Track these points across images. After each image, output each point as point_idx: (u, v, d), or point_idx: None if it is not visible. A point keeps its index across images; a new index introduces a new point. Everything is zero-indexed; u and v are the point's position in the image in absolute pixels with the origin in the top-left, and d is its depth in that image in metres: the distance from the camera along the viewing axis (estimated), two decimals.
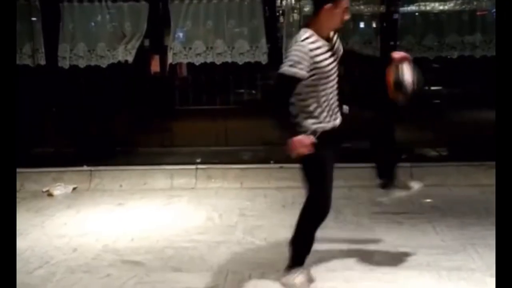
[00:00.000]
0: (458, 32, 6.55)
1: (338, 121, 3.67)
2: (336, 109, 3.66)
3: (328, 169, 3.71)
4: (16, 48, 6.67)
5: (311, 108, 3.54)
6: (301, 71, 3.37)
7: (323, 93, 3.53)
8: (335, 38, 3.64)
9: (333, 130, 3.62)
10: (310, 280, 3.78)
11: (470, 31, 6.55)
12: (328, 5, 3.43)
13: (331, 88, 3.57)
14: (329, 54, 3.51)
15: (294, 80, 3.39)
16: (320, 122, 3.57)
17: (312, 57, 3.40)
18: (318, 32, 3.49)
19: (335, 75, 3.58)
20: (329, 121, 3.60)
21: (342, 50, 3.68)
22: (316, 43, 3.44)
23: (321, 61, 3.44)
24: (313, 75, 3.44)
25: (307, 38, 3.44)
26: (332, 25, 3.54)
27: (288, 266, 3.76)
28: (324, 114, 3.58)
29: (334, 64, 3.55)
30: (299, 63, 3.37)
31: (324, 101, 3.55)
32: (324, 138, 3.54)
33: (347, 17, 3.54)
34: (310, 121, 3.57)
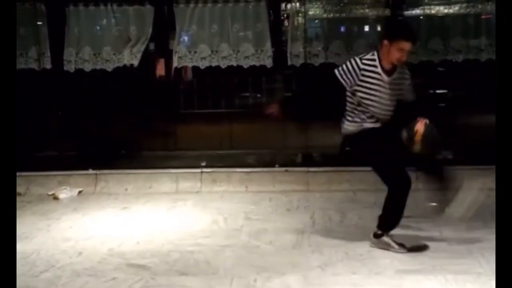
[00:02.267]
0: (463, 35, 6.54)
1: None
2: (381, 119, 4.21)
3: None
4: (20, 52, 6.70)
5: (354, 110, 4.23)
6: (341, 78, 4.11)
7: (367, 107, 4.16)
8: (398, 72, 4.16)
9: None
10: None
11: (475, 34, 6.53)
12: (385, 41, 4.04)
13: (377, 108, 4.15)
14: (380, 81, 4.09)
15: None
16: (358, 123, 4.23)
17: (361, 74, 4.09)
18: (381, 60, 4.09)
19: (383, 99, 4.13)
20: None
21: (407, 84, 4.26)
22: (371, 66, 4.09)
23: (368, 82, 4.09)
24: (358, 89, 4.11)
25: (367, 57, 4.13)
26: (388, 59, 4.07)
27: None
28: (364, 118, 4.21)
29: (384, 90, 4.11)
30: (344, 72, 4.12)
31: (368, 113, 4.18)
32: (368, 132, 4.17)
33: (403, 58, 4.02)
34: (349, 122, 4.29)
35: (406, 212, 5.05)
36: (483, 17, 6.61)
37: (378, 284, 3.75)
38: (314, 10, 7.05)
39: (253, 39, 6.64)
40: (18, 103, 3.78)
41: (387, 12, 6.91)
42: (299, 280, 3.82)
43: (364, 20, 7.12)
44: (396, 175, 4.17)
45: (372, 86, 4.12)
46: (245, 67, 6.67)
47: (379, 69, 4.11)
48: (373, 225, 4.91)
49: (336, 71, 4.16)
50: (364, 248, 4.37)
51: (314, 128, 6.85)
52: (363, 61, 4.12)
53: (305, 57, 6.62)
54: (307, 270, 3.99)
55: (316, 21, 7.22)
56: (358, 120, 4.25)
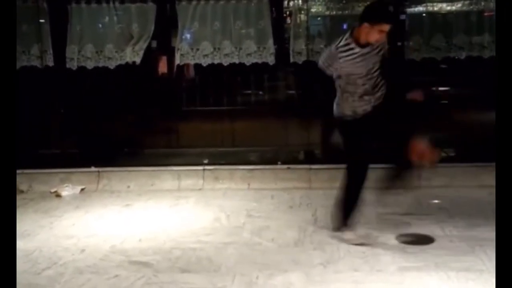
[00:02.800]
0: (466, 32, 6.51)
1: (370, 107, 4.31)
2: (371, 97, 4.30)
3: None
4: (22, 50, 6.70)
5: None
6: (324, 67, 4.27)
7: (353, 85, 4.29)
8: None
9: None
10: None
11: (478, 31, 6.51)
12: (366, 24, 4.10)
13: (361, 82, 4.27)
14: (355, 53, 4.18)
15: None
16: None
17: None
18: (357, 39, 4.19)
19: (363, 70, 4.23)
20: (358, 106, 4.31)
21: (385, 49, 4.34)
22: (345, 46, 4.19)
23: (346, 58, 4.18)
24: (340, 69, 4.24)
25: (339, 41, 4.23)
26: (366, 39, 4.17)
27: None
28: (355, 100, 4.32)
29: (364, 63, 4.21)
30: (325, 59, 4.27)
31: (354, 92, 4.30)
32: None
33: (382, 39, 4.18)
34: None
35: (408, 209, 5.09)
36: (485, 14, 6.59)
37: (379, 281, 3.75)
38: (316, 8, 7.04)
39: (255, 37, 6.63)
40: (20, 101, 3.81)
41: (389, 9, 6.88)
42: (301, 277, 3.83)
43: None
44: (358, 168, 4.39)
45: (349, 60, 4.20)
46: (247, 64, 6.65)
47: (353, 45, 4.20)
48: (375, 222, 4.93)
49: (320, 64, 4.32)
50: (366, 245, 4.36)
51: (316, 125, 6.84)
52: (338, 45, 4.24)
53: (307, 54, 6.60)
54: (309, 267, 3.99)
55: (319, 18, 7.21)
56: (348, 102, 4.34)
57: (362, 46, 4.21)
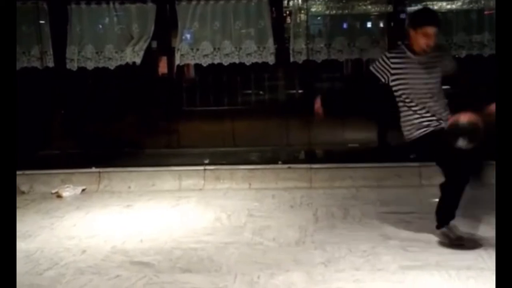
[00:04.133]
0: (466, 31, 6.52)
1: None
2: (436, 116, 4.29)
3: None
4: (23, 51, 6.72)
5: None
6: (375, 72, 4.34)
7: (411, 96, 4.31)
8: (430, 54, 4.26)
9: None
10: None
11: (478, 30, 6.52)
12: (411, 30, 4.22)
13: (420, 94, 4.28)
14: (410, 62, 4.25)
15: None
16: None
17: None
18: (410, 49, 4.27)
19: (421, 80, 4.26)
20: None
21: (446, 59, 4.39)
22: (399, 53, 4.30)
23: (401, 68, 4.26)
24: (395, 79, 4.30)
25: (393, 50, 4.40)
26: (418, 47, 4.22)
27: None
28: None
29: (418, 71, 4.25)
30: (377, 65, 4.34)
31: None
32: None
33: (430, 42, 4.17)
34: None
35: (409, 208, 5.10)
36: (485, 12, 6.59)
37: (381, 280, 3.75)
38: (316, 7, 7.04)
39: (255, 36, 6.64)
40: (21, 102, 3.81)
41: (390, 8, 6.90)
42: (302, 276, 3.83)
43: (366, 17, 7.11)
44: (455, 169, 4.18)
45: (405, 70, 4.28)
46: (248, 64, 6.66)
47: (408, 53, 4.28)
48: (376, 221, 4.94)
49: (371, 67, 4.41)
50: (367, 244, 4.37)
51: (317, 124, 6.84)
52: (391, 53, 4.36)
53: (307, 53, 6.61)
54: (310, 267, 3.99)
55: (318, 17, 7.21)
56: (413, 119, 4.33)
57: (416, 54, 4.26)
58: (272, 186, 6.18)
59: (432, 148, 4.26)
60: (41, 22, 6.78)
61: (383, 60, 4.31)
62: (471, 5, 6.67)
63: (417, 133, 4.32)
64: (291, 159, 6.75)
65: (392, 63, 4.28)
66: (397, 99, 4.39)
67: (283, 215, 5.26)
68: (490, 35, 6.43)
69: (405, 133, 4.41)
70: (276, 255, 4.25)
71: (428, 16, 4.28)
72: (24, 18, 6.65)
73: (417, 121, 4.32)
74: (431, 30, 4.16)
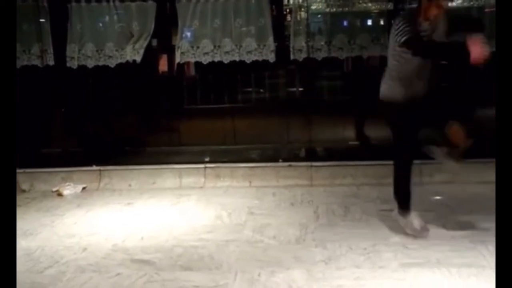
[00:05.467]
0: None
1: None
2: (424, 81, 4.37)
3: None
4: (23, 49, 6.71)
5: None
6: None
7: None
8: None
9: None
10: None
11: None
12: (425, 0, 4.23)
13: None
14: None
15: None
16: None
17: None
18: (417, 17, 4.28)
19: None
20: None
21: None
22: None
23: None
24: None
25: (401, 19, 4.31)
26: (426, 16, 4.26)
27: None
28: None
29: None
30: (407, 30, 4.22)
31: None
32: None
33: (440, 14, 4.23)
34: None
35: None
36: (486, 10, 6.57)
37: (382, 278, 3.75)
38: (316, 5, 7.04)
39: (255, 34, 6.62)
40: (21, 100, 3.81)
41: (390, 6, 6.89)
42: (303, 274, 3.83)
43: (366, 14, 7.10)
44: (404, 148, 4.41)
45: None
46: (248, 62, 6.64)
47: (418, 23, 4.27)
48: (376, 219, 4.94)
49: (406, 38, 4.20)
50: (368, 242, 4.37)
51: (317, 122, 6.84)
52: (410, 22, 4.25)
53: (307, 51, 6.60)
54: (311, 265, 3.99)
55: (319, 15, 7.20)
56: (403, 84, 4.40)
57: (421, 23, 4.30)
58: (272, 184, 6.18)
59: (395, 119, 4.44)
60: (42, 20, 6.77)
61: (411, 24, 4.20)
62: (471, 3, 6.66)
63: (392, 96, 4.42)
64: (291, 157, 6.74)
65: (421, 29, 4.25)
66: (395, 61, 4.39)
67: (283, 213, 5.26)
68: (491, 33, 6.41)
69: (385, 92, 4.50)
70: (276, 253, 4.25)
71: None
72: (25, 16, 6.65)
73: (398, 88, 4.41)
74: (445, 3, 4.29)
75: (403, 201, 4.53)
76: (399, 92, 4.41)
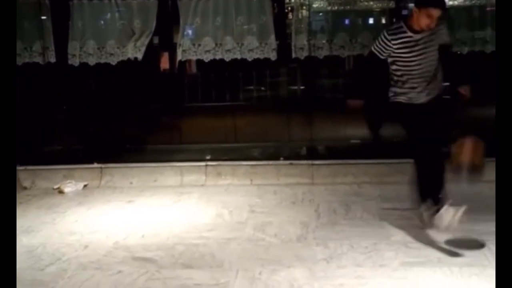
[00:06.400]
0: (468, 27, 6.50)
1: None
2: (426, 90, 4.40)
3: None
4: (24, 46, 6.72)
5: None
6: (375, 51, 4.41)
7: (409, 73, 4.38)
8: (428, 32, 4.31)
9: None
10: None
11: (481, 26, 6.50)
12: (415, 9, 4.23)
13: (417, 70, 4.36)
14: (410, 40, 4.29)
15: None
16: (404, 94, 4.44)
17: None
18: (410, 26, 4.30)
19: (420, 60, 4.33)
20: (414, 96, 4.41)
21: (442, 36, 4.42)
22: (398, 31, 4.32)
23: (400, 45, 4.30)
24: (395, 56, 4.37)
25: (391, 28, 4.41)
26: (418, 25, 4.25)
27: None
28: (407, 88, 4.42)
29: (419, 51, 4.30)
30: (377, 45, 4.40)
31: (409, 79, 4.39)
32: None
33: (432, 24, 4.21)
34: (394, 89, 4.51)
35: (409, 204, 5.08)
36: (488, 8, 6.57)
37: (383, 276, 3.75)
38: (318, 3, 7.03)
39: (257, 32, 6.62)
40: (22, 97, 3.81)
41: (392, 4, 6.88)
42: (304, 272, 3.83)
43: (368, 13, 7.09)
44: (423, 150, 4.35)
45: (404, 50, 4.31)
46: (249, 60, 6.64)
47: (404, 29, 4.32)
48: (377, 217, 4.94)
49: (372, 48, 4.47)
50: (369, 240, 4.37)
51: (319, 120, 6.84)
52: (389, 32, 4.37)
53: (309, 50, 6.60)
54: (312, 263, 3.99)
55: (321, 13, 7.19)
56: (403, 91, 4.45)
57: (415, 32, 4.30)
58: (273, 182, 6.18)
59: (406, 121, 4.45)
60: (43, 17, 6.77)
61: (384, 42, 4.35)
62: (473, 1, 6.65)
63: (401, 98, 4.46)
64: (292, 155, 6.74)
65: (394, 44, 4.32)
66: (393, 72, 4.46)
67: (284, 211, 5.26)
68: (492, 32, 6.41)
69: (391, 94, 4.54)
70: (277, 251, 4.25)
71: None
72: (26, 13, 6.66)
73: (405, 93, 4.44)
74: (435, 12, 4.18)
75: (422, 198, 4.44)
76: (401, 95, 4.45)
